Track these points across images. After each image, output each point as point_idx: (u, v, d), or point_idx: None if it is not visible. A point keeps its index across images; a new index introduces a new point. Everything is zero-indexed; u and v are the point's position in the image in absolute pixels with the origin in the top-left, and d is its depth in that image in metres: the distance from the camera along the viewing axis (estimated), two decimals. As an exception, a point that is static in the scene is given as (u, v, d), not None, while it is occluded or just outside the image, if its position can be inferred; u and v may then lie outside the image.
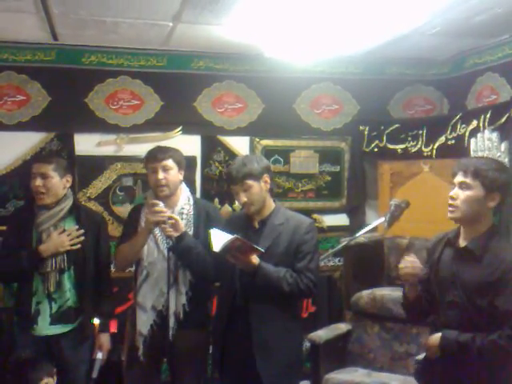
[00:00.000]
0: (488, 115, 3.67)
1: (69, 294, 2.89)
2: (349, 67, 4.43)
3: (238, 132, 4.28)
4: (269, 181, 2.67)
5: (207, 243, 2.58)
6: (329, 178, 4.48)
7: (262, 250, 2.49)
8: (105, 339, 2.98)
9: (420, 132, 4.14)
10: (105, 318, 3.01)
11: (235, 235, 2.44)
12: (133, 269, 3.06)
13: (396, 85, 4.57)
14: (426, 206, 3.67)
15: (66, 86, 3.94)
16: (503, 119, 3.58)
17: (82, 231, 2.91)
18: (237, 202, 3.04)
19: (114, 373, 3.15)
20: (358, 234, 3.52)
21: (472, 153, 3.69)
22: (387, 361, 3.58)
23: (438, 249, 2.29)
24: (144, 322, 2.87)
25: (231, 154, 4.18)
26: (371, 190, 4.37)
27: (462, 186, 2.16)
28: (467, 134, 3.80)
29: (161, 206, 2.75)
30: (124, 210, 3.87)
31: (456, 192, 2.17)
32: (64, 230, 2.90)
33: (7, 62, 3.83)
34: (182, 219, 2.84)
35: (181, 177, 2.94)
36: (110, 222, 3.94)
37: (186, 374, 2.94)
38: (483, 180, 2.12)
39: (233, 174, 2.64)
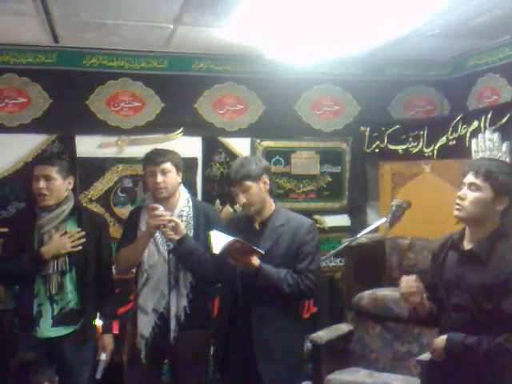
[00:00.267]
0: (489, 116, 3.67)
1: (71, 296, 2.89)
2: (349, 68, 4.43)
3: (239, 133, 4.28)
4: (268, 182, 2.67)
5: (207, 245, 2.58)
6: (330, 179, 4.48)
7: (262, 252, 2.50)
8: (108, 340, 2.99)
9: (421, 133, 4.14)
10: (107, 319, 3.02)
11: (235, 237, 2.44)
12: (134, 270, 3.07)
13: (397, 86, 4.57)
14: (428, 207, 3.66)
15: (67, 88, 3.94)
16: (504, 120, 3.58)
17: (83, 233, 2.91)
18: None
19: (116, 374, 3.15)
20: (359, 235, 3.52)
21: (473, 153, 3.69)
22: (389, 361, 3.58)
23: (443, 251, 2.28)
24: (145, 325, 2.87)
25: (232, 156, 4.18)
26: (372, 191, 4.38)
27: (472, 186, 2.13)
28: (468, 134, 3.81)
29: (160, 209, 2.76)
30: (125, 211, 3.86)
31: (465, 192, 2.15)
32: (66, 232, 2.90)
33: (8, 64, 3.84)
34: (181, 221, 2.84)
35: (179, 179, 2.95)
36: (112, 223, 3.95)
37: (187, 375, 2.94)
38: (493, 183, 2.10)
39: (231, 175, 2.65)
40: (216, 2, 3.03)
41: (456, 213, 2.16)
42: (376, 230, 3.54)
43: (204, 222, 2.94)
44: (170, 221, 2.77)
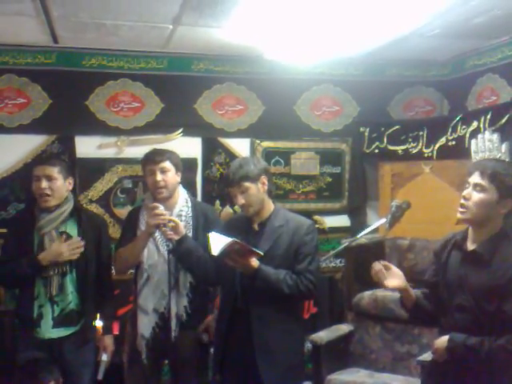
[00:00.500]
0: (488, 116, 3.67)
1: (71, 297, 2.89)
2: (349, 69, 4.43)
3: (239, 134, 4.28)
4: (266, 182, 2.67)
5: (207, 245, 2.58)
6: (329, 180, 4.48)
7: (261, 253, 2.49)
8: (109, 341, 2.99)
9: (420, 133, 4.14)
10: (108, 320, 3.02)
11: (234, 238, 2.43)
12: (133, 271, 3.07)
13: (396, 86, 4.58)
14: (427, 207, 3.66)
15: (66, 89, 3.95)
16: (503, 120, 3.58)
17: (82, 243, 2.88)
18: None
19: (116, 375, 3.15)
20: (359, 235, 3.50)
21: (472, 154, 3.69)
22: (389, 361, 3.58)
23: (446, 251, 2.26)
24: (146, 325, 2.87)
25: (232, 156, 4.18)
26: (372, 191, 4.38)
27: (477, 187, 2.11)
28: (468, 135, 3.81)
29: (161, 208, 2.76)
30: (125, 212, 3.85)
31: (469, 192, 2.13)
32: (67, 237, 2.89)
33: (8, 64, 3.84)
34: (180, 221, 2.84)
35: (178, 179, 2.95)
36: (111, 224, 3.95)
37: (187, 374, 2.95)
38: (499, 185, 2.08)
39: (230, 176, 2.64)
40: (215, 2, 3.04)
41: (459, 215, 2.15)
42: (376, 230, 3.53)
43: (203, 222, 2.94)
44: (170, 220, 2.77)
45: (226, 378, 2.76)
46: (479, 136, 3.68)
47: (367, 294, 3.74)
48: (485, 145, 3.63)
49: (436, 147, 4.05)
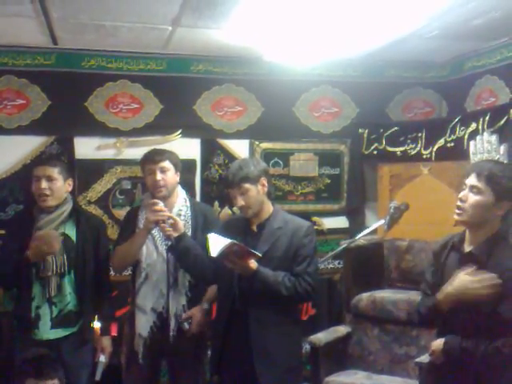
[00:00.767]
0: (487, 118, 3.68)
1: (69, 298, 2.89)
2: (347, 70, 4.43)
3: (238, 135, 4.28)
4: (266, 184, 2.67)
5: (205, 245, 2.58)
6: (328, 181, 4.48)
7: (259, 255, 2.49)
8: (107, 342, 2.99)
9: (419, 135, 4.14)
10: (106, 321, 3.02)
11: (232, 240, 2.43)
12: (131, 272, 3.07)
13: (395, 87, 4.58)
14: (426, 209, 3.67)
15: (65, 90, 3.94)
16: (502, 121, 3.58)
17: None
18: (236, 206, 3.04)
19: (114, 376, 3.16)
20: (357, 237, 3.51)
21: (471, 155, 3.69)
22: (387, 363, 3.58)
23: (445, 252, 2.27)
24: (143, 324, 2.88)
25: (231, 157, 4.18)
26: (371, 193, 4.38)
27: (473, 189, 2.11)
28: (466, 136, 3.81)
29: (160, 205, 2.77)
30: (124, 213, 3.83)
31: (466, 194, 2.13)
32: (65, 238, 2.89)
33: (7, 66, 3.84)
34: (179, 220, 2.85)
35: (177, 178, 2.97)
36: (110, 225, 3.95)
37: (186, 374, 2.95)
38: (495, 187, 2.08)
39: (229, 177, 2.64)
40: (215, 3, 3.04)
41: (456, 217, 2.15)
42: (374, 231, 3.54)
43: (202, 222, 2.95)
44: (169, 218, 2.78)
45: (223, 380, 2.76)
46: (478, 137, 3.68)
47: (365, 295, 3.74)
48: (483, 146, 3.63)
49: (434, 149, 4.05)
